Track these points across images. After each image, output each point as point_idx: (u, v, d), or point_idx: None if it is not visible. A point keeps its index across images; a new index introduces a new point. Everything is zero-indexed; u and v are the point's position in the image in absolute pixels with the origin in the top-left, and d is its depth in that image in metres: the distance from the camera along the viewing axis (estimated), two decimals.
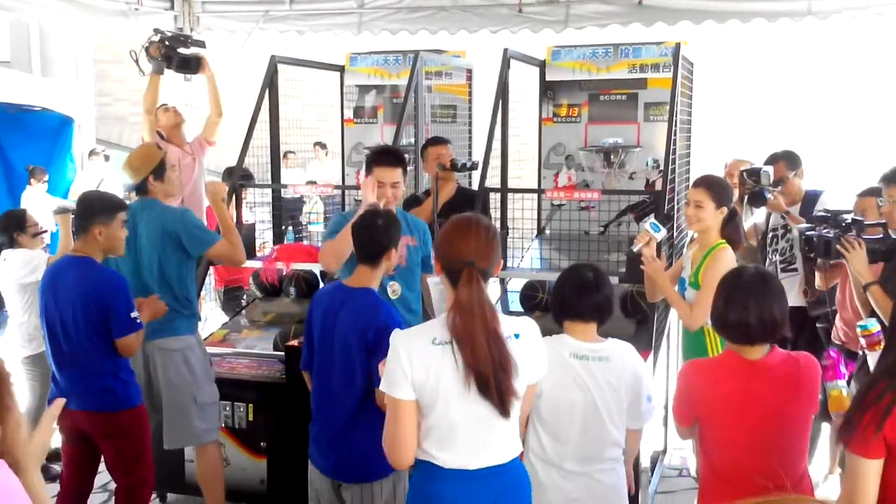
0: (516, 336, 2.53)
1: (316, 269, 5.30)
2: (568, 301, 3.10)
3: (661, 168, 5.25)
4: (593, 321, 3.10)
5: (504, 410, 2.48)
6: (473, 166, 5.43)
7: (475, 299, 2.45)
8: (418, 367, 2.47)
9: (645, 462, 4.17)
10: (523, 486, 2.68)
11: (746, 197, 4.87)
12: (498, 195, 5.24)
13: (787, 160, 5.04)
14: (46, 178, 9.58)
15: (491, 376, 2.43)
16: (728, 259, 3.86)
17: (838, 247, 3.75)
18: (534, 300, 5.12)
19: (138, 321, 3.73)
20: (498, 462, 2.56)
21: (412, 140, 5.91)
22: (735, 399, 2.71)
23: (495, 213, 5.36)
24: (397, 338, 2.54)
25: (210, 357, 4.40)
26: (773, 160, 5.03)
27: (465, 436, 2.51)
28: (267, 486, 4.54)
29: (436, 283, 3.14)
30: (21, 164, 9.99)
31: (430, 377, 2.47)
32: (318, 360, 3.33)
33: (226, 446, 4.57)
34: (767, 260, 5.10)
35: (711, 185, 3.96)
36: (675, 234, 4.86)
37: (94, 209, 3.76)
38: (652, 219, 4.14)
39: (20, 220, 5.22)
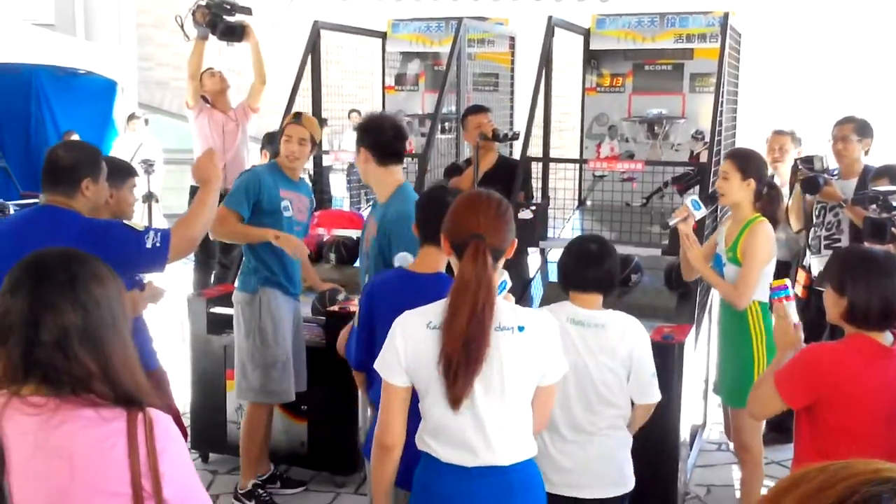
0: (520, 329, 2.33)
1: (356, 234, 5.32)
2: (571, 272, 3.08)
3: (706, 140, 5.19)
4: (595, 292, 3.05)
5: (454, 402, 2.30)
6: (515, 136, 5.41)
7: (476, 275, 2.27)
8: (412, 352, 2.34)
9: (684, 435, 4.16)
10: (530, 488, 2.48)
11: (799, 184, 4.80)
12: (539, 165, 5.22)
13: (857, 124, 4.89)
14: (73, 139, 9.68)
15: (452, 359, 2.26)
16: (767, 233, 3.78)
17: (893, 230, 3.55)
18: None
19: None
20: (498, 463, 2.38)
21: (453, 108, 5.90)
22: (870, 385, 2.57)
23: (537, 184, 5.34)
24: (398, 319, 2.41)
25: (274, 320, 4.28)
26: (844, 121, 4.91)
27: (457, 430, 2.36)
28: (307, 449, 4.61)
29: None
30: (68, 126, 10.14)
31: (421, 363, 2.34)
32: None
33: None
34: (812, 233, 5.02)
35: (736, 156, 3.87)
36: (719, 209, 4.80)
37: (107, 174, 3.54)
38: (695, 195, 4.08)
39: None
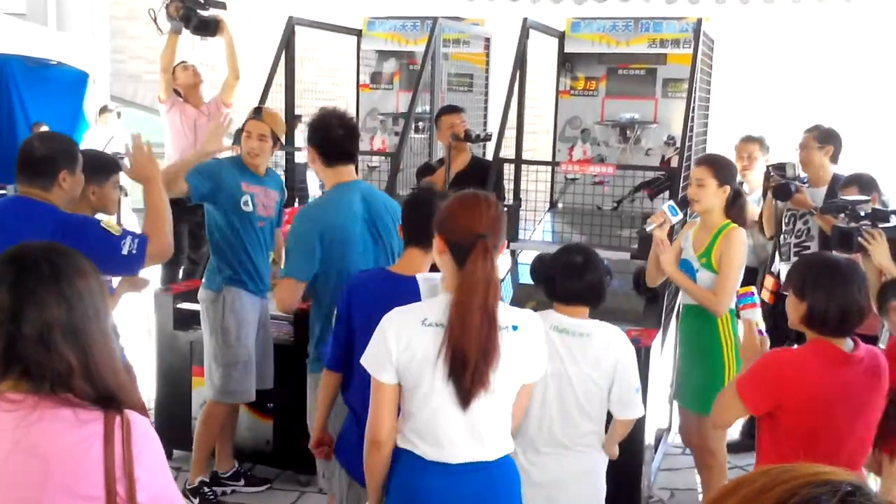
0: (514, 328, 2.39)
1: None
2: (556, 283, 3.07)
3: (678, 145, 5.22)
4: (581, 304, 3.05)
5: (465, 400, 2.34)
6: (487, 137, 5.42)
7: (485, 275, 2.31)
8: (404, 350, 2.35)
9: (649, 439, 4.18)
10: (511, 483, 2.54)
11: (771, 190, 4.84)
12: (512, 167, 5.22)
13: (817, 132, 4.97)
14: (41, 130, 9.55)
15: (471, 360, 2.29)
16: (743, 240, 3.82)
17: (860, 240, 3.54)
18: (543, 273, 5.11)
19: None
20: (483, 458, 2.43)
21: (427, 108, 5.89)
22: (829, 390, 2.60)
23: (509, 185, 5.35)
24: (387, 317, 2.41)
25: (237, 319, 4.25)
26: (808, 130, 4.97)
27: (445, 427, 2.39)
28: (273, 447, 4.58)
29: (425, 280, 2.94)
30: (38, 117, 10.01)
31: (414, 360, 2.35)
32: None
33: None
34: (782, 240, 5.07)
35: (713, 163, 3.89)
36: (688, 214, 4.83)
37: (90, 170, 3.45)
38: (671, 201, 4.11)
39: None
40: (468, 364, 2.30)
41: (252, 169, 4.28)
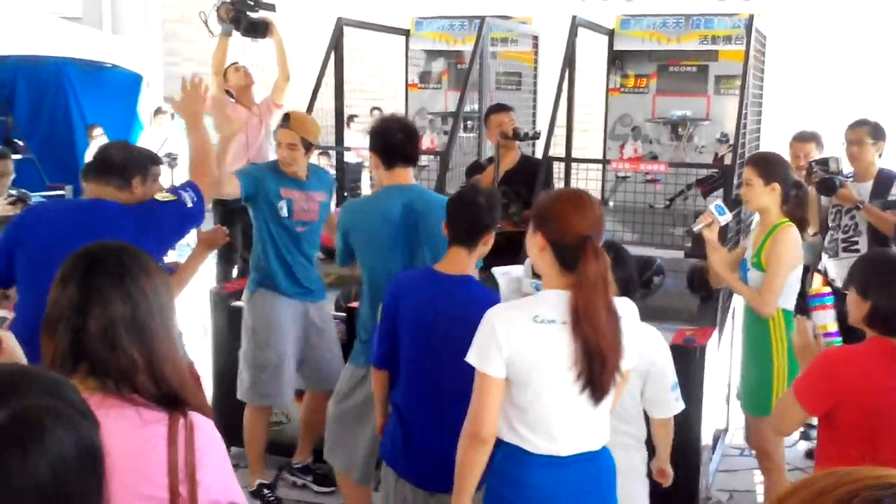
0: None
1: None
2: None
3: (731, 142, 5.15)
4: None
5: (601, 396, 2.38)
6: (536, 135, 5.40)
7: (601, 274, 2.33)
8: (516, 345, 2.35)
9: (706, 440, 4.14)
10: (611, 472, 2.57)
11: (815, 186, 4.75)
12: (562, 165, 5.20)
13: (871, 127, 4.86)
14: (96, 132, 9.73)
15: (609, 358, 2.33)
16: (792, 238, 3.73)
17: None
18: None
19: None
20: (590, 449, 2.47)
21: (475, 107, 5.89)
22: (889, 389, 2.54)
23: (559, 184, 5.33)
24: (494, 312, 2.42)
25: (266, 322, 4.27)
26: (857, 125, 4.86)
27: (560, 420, 2.41)
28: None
29: (503, 273, 2.94)
30: (94, 119, 10.22)
31: (529, 356, 2.36)
32: (414, 359, 3.02)
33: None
34: (828, 236, 4.98)
35: (757, 162, 3.84)
36: (743, 213, 4.76)
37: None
38: (719, 200, 4.05)
39: None
40: (606, 361, 2.34)
41: (290, 174, 4.26)
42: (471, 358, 2.43)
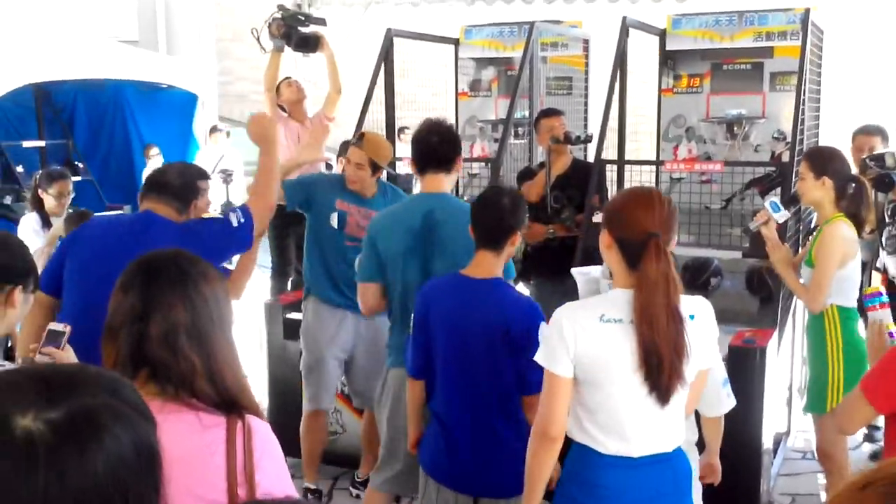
0: (691, 317, 2.38)
1: None
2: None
3: (788, 140, 5.04)
4: None
5: (665, 397, 2.34)
6: (588, 139, 5.34)
7: (663, 273, 2.30)
8: (583, 345, 2.35)
9: (767, 443, 4.04)
10: (687, 474, 2.54)
11: (871, 182, 4.62)
12: (614, 168, 5.14)
13: None
14: (153, 152, 9.90)
15: (666, 359, 2.30)
16: (840, 234, 3.65)
17: None
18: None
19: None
20: (662, 450, 2.43)
21: (526, 113, 5.86)
22: None
23: (612, 187, 5.26)
24: (561, 311, 2.42)
25: (312, 323, 4.31)
26: None
27: (631, 421, 2.39)
28: None
29: (581, 273, 2.89)
30: (151, 139, 10.42)
31: (595, 356, 2.35)
32: (450, 365, 3.01)
33: (342, 413, 4.68)
34: (886, 233, 4.84)
35: (810, 155, 3.80)
36: (802, 211, 4.65)
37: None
38: (774, 197, 3.97)
39: None
40: (664, 362, 2.30)
41: (354, 190, 4.26)
42: (539, 357, 2.44)
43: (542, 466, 2.46)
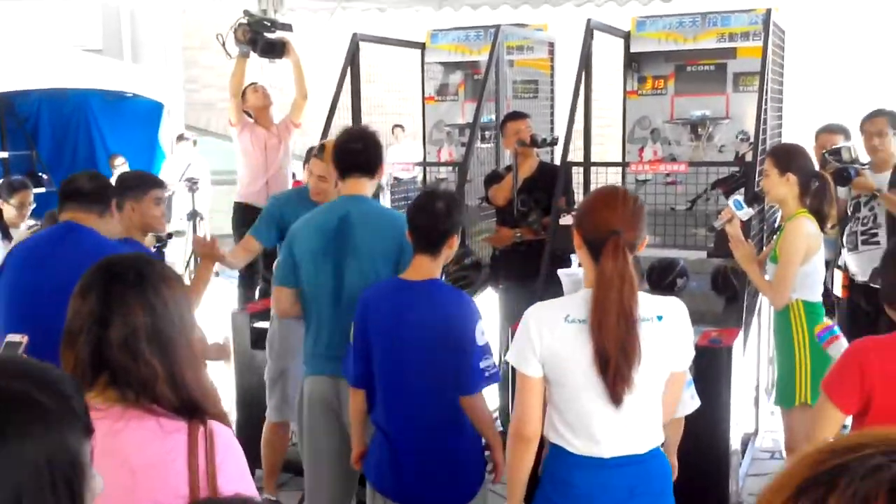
0: (659, 318, 2.36)
1: None
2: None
3: (751, 140, 5.07)
4: None
5: (616, 399, 2.32)
6: (553, 142, 5.35)
7: (618, 271, 2.28)
8: (549, 344, 2.35)
9: (735, 443, 4.05)
10: (664, 475, 2.51)
11: (830, 176, 4.66)
12: (581, 170, 5.14)
13: (890, 117, 4.78)
14: (118, 161, 9.80)
15: (611, 359, 2.29)
16: (802, 229, 3.67)
17: None
18: None
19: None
20: (634, 452, 2.41)
21: (493, 117, 5.86)
22: None
23: (578, 189, 5.27)
24: (530, 311, 2.43)
25: (279, 332, 4.25)
26: (876, 114, 4.78)
27: (597, 421, 2.37)
28: None
29: (567, 275, 2.89)
30: (116, 149, 10.31)
31: (560, 356, 2.35)
32: (388, 371, 2.96)
33: None
34: (847, 230, 4.88)
35: (774, 152, 3.84)
36: (765, 210, 4.68)
37: (126, 186, 3.77)
38: (737, 195, 4.01)
39: None
40: (609, 363, 2.29)
41: (316, 200, 4.18)
42: (510, 357, 2.45)
43: (519, 466, 2.47)
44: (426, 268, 2.95)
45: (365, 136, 3.49)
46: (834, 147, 4.72)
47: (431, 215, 2.94)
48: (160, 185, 3.91)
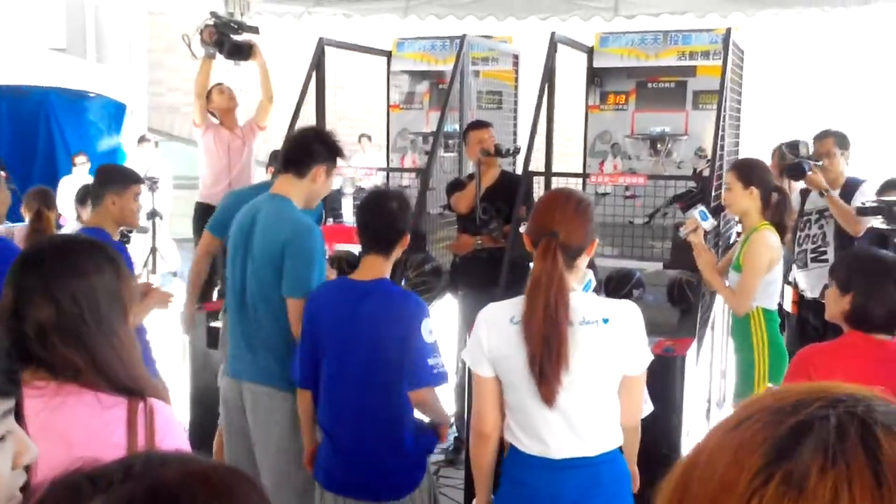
0: (605, 321, 2.34)
1: (356, 249, 5.30)
2: None
3: (709, 158, 5.17)
4: None
5: (548, 399, 2.32)
6: (516, 151, 5.41)
7: (545, 272, 2.28)
8: (495, 345, 2.38)
9: (687, 451, 4.11)
10: (618, 479, 2.49)
11: (785, 170, 4.77)
12: (542, 180, 5.20)
13: (836, 137, 4.94)
14: (80, 160, 9.70)
15: (537, 360, 2.29)
16: (766, 241, 3.78)
17: None
18: None
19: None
20: (583, 454, 2.40)
21: (457, 126, 5.90)
22: (864, 379, 2.49)
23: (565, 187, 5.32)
24: (482, 312, 2.45)
25: None
26: (823, 135, 4.93)
27: (539, 422, 2.38)
28: None
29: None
30: (77, 148, 10.21)
31: (504, 356, 2.37)
32: (335, 370, 2.94)
33: None
34: (797, 247, 5.00)
35: (737, 166, 3.94)
36: (721, 224, 4.78)
37: (109, 179, 3.83)
38: (702, 206, 4.10)
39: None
40: (535, 363, 2.30)
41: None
42: (464, 356, 2.49)
43: (481, 462, 2.52)
44: (377, 267, 2.94)
45: (307, 131, 3.45)
46: (792, 141, 4.81)
47: (386, 214, 2.92)
48: (140, 181, 3.96)
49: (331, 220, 7.95)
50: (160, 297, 3.54)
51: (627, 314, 2.40)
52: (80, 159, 9.58)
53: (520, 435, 2.44)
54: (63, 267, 1.74)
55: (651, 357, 2.50)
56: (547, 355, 2.28)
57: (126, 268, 1.86)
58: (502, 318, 2.39)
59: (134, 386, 1.73)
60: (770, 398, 0.76)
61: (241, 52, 6.01)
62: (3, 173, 3.60)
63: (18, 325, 1.71)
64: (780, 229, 3.87)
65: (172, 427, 1.74)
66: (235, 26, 6.03)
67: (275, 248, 3.18)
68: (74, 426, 1.67)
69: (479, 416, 2.48)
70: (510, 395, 2.43)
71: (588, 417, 2.40)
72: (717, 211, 4.12)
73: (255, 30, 6.14)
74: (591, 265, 3.05)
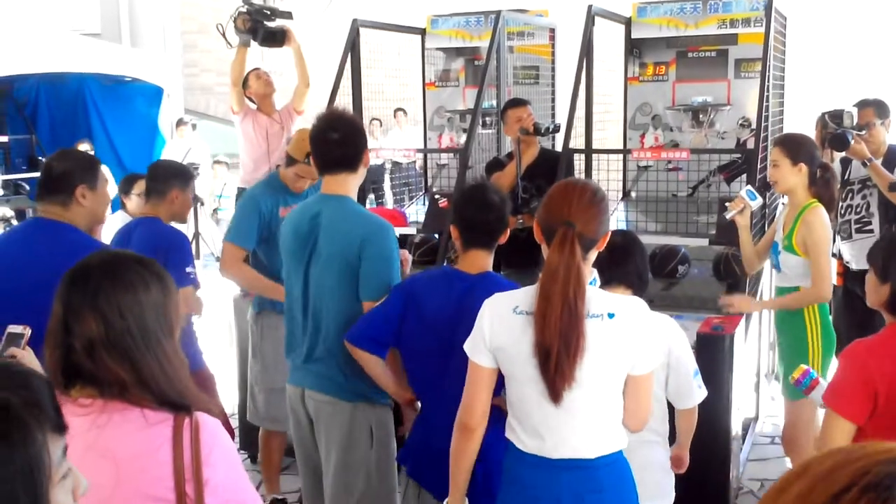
0: (610, 316, 2.26)
1: (400, 231, 5.29)
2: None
3: (753, 127, 5.08)
4: (622, 289, 2.83)
5: (555, 395, 2.24)
6: (556, 129, 5.34)
7: (563, 263, 2.20)
8: (497, 335, 2.32)
9: (736, 429, 4.08)
10: (620, 484, 2.38)
11: (827, 140, 4.65)
12: (582, 157, 5.15)
13: (876, 107, 4.82)
14: (82, 147, 9.71)
15: (553, 353, 2.20)
16: (822, 219, 3.72)
17: None
18: None
19: (193, 276, 3.74)
20: (582, 456, 2.31)
21: (493, 103, 5.85)
22: None
23: (580, 176, 5.28)
24: (487, 302, 2.39)
25: (273, 344, 4.04)
26: (862, 105, 4.81)
27: (540, 418, 2.31)
28: None
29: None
30: (118, 134, 10.29)
31: (506, 347, 2.31)
32: (440, 366, 2.84)
33: None
34: (840, 220, 4.90)
35: (784, 142, 3.84)
36: (767, 198, 4.69)
37: (174, 174, 3.98)
38: (749, 185, 4.03)
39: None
40: (550, 357, 2.21)
41: (293, 188, 4.06)
42: (466, 346, 2.43)
43: (460, 456, 2.46)
44: (481, 261, 2.88)
45: (342, 123, 3.14)
46: (836, 110, 4.67)
47: (490, 209, 2.86)
48: (194, 175, 4.05)
49: (371, 196, 7.96)
50: (195, 305, 3.65)
51: (635, 310, 2.33)
52: (83, 146, 9.66)
53: (518, 430, 2.38)
54: (110, 282, 1.77)
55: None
56: (564, 349, 2.20)
57: (172, 282, 1.88)
58: (505, 308, 2.34)
59: (180, 400, 1.75)
60: (833, 459, 0.80)
61: (276, 38, 6.00)
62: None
63: (67, 339, 1.74)
64: (828, 206, 3.79)
65: (219, 441, 1.74)
66: (269, 13, 6.01)
67: (348, 250, 3.04)
68: (120, 444, 1.69)
69: (466, 407, 2.41)
70: (511, 389, 2.38)
71: (590, 416, 2.32)
72: (764, 186, 4.04)
73: (288, 15, 6.11)
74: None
